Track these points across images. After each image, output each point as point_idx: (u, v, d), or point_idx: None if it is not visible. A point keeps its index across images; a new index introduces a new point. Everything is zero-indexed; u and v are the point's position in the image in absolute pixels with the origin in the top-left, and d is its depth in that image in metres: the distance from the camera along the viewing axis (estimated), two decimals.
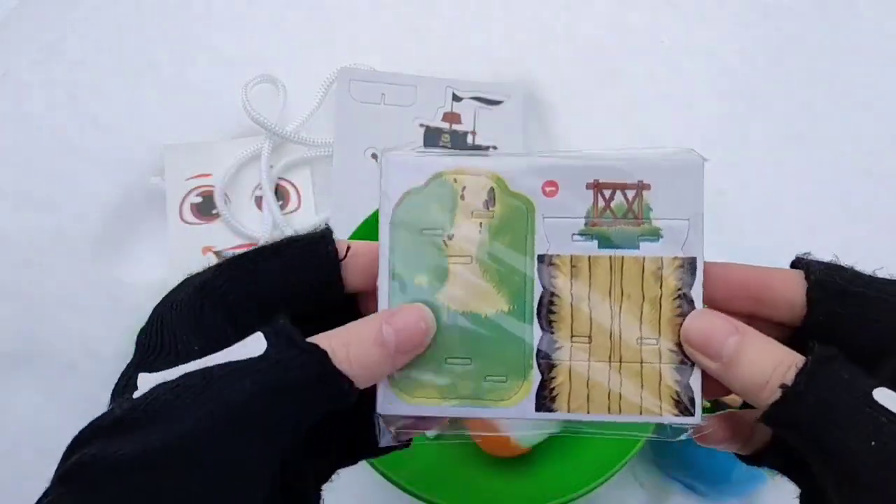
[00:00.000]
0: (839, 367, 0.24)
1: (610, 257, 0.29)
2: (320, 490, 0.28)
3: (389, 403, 0.28)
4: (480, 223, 0.29)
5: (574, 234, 0.29)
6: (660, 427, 0.30)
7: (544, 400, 0.28)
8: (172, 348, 0.25)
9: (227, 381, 0.22)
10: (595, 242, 0.29)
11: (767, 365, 0.24)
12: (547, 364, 0.28)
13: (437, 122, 0.63)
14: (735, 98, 0.65)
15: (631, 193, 0.29)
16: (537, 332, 0.28)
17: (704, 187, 0.28)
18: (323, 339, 0.24)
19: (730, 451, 0.28)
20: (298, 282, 0.26)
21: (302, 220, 0.61)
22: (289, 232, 0.59)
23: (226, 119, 0.64)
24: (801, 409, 0.23)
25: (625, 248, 0.29)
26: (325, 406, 0.24)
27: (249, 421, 0.22)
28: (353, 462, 0.29)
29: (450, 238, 0.29)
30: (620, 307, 0.28)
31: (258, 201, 0.62)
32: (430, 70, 0.66)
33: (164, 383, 0.23)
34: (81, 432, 0.23)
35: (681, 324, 0.27)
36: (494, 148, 0.63)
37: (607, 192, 0.29)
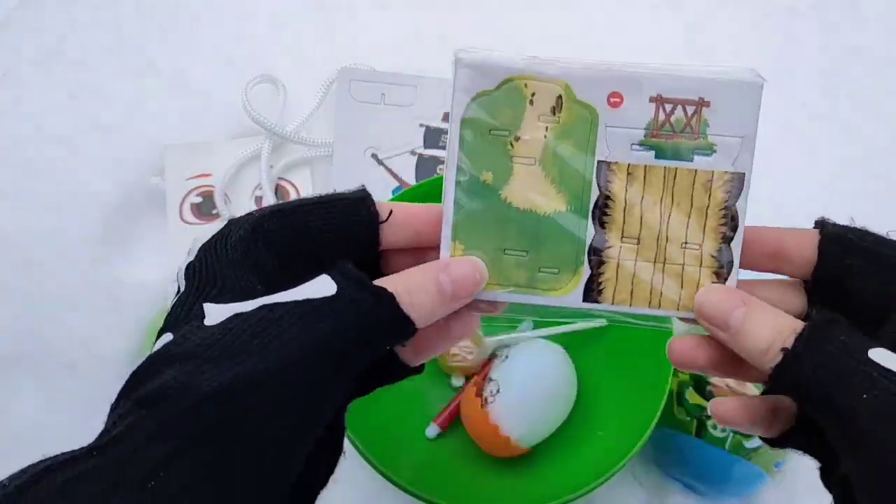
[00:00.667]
0: (837, 330, 0.26)
1: (664, 168, 0.31)
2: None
3: None
4: (546, 127, 0.31)
5: (633, 143, 0.31)
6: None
7: (591, 292, 0.31)
8: (233, 285, 0.26)
9: (312, 317, 0.24)
10: (652, 153, 0.31)
11: (770, 332, 0.26)
12: (597, 260, 0.31)
13: (438, 123, 0.63)
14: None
15: (691, 109, 0.31)
16: (591, 231, 0.31)
17: (760, 108, 0.30)
18: (389, 283, 0.26)
19: (754, 434, 0.30)
20: (343, 237, 0.28)
21: None
22: None
23: (226, 119, 0.64)
24: (800, 369, 0.25)
25: (679, 160, 0.31)
26: (391, 344, 0.26)
27: (333, 355, 0.24)
28: (366, 393, 0.30)
29: (516, 140, 0.31)
30: (669, 214, 0.31)
31: (258, 201, 0.62)
32: (430, 70, 0.66)
33: (242, 314, 0.24)
34: (153, 357, 0.24)
35: (724, 233, 0.30)
36: None
37: (668, 107, 0.31)
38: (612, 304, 0.32)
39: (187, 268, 0.27)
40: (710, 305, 0.28)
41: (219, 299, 0.25)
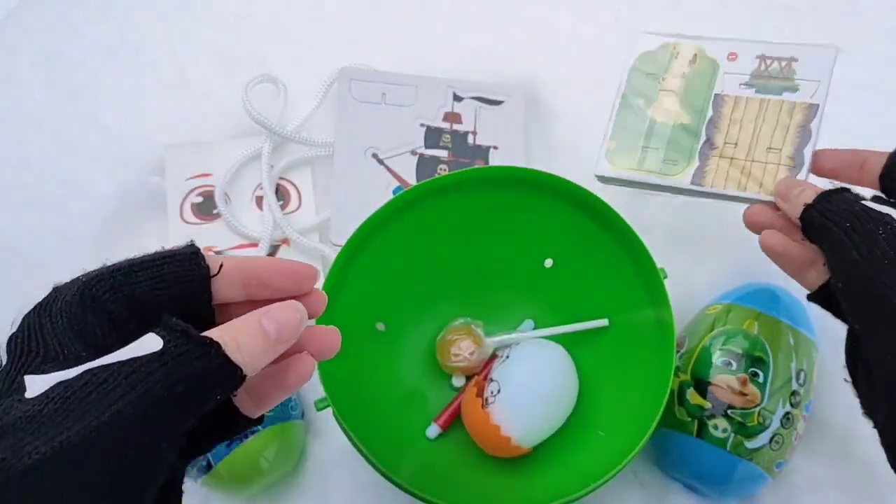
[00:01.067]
0: (840, 191, 0.40)
1: (760, 99, 0.48)
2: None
3: (603, 168, 0.50)
4: (684, 73, 0.51)
5: (741, 83, 0.49)
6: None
7: (697, 177, 0.48)
8: (56, 353, 0.26)
9: (138, 375, 0.24)
10: (753, 89, 0.49)
11: (805, 199, 0.41)
12: (705, 155, 0.48)
13: (438, 122, 0.63)
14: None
15: (784, 63, 0.48)
16: (703, 136, 0.49)
17: (834, 65, 0.47)
18: (214, 333, 0.26)
19: (793, 276, 0.43)
20: (175, 295, 0.28)
21: (302, 220, 0.61)
22: (289, 232, 0.59)
23: (226, 119, 0.64)
24: (811, 214, 0.40)
25: (773, 94, 0.48)
26: (222, 393, 0.26)
27: (164, 410, 0.24)
28: (205, 451, 0.31)
29: (663, 79, 0.51)
30: (761, 128, 0.48)
31: (259, 201, 0.62)
32: (430, 70, 0.66)
33: (64, 382, 0.24)
34: None
35: (797, 144, 0.47)
36: (495, 148, 0.63)
37: (769, 61, 0.49)
38: (711, 186, 0.47)
39: (9, 340, 0.26)
40: (783, 184, 0.44)
41: (41, 370, 0.25)
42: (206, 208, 0.61)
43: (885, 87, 0.65)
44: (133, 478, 0.23)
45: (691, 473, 0.51)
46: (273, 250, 0.60)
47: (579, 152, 0.64)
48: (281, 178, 0.63)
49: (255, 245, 0.59)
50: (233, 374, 0.26)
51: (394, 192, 0.61)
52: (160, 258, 0.28)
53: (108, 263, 0.29)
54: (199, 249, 0.29)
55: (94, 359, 0.25)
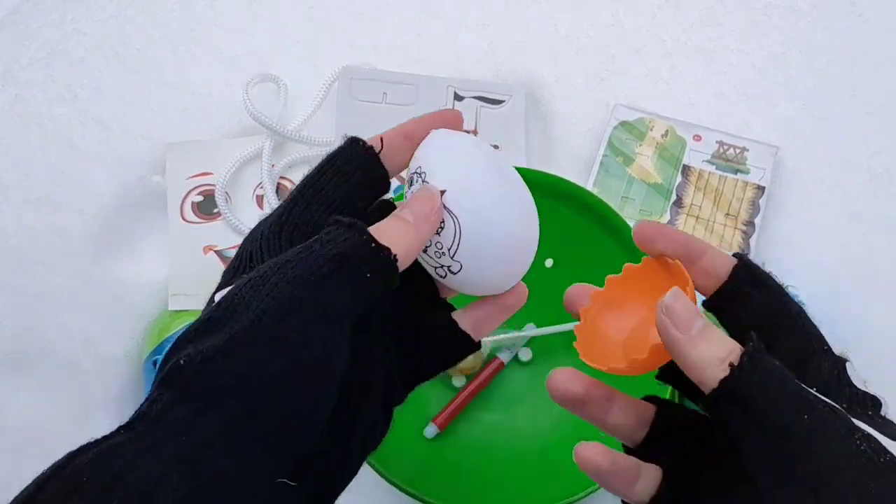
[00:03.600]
0: (774, 356, 0.27)
1: (720, 175, 0.61)
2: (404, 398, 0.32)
3: None
4: (657, 143, 0.62)
5: (704, 160, 0.62)
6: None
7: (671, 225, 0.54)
8: (252, 269, 0.28)
9: (287, 266, 0.26)
10: (714, 166, 0.61)
11: (723, 347, 0.27)
12: (675, 211, 0.60)
13: None
14: (735, 98, 0.65)
15: (738, 150, 0.62)
16: (673, 196, 0.60)
17: (777, 158, 0.61)
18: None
19: (612, 491, 0.32)
20: (356, 185, 0.30)
21: None
22: None
23: (227, 118, 0.64)
24: (745, 384, 0.26)
25: (729, 173, 0.61)
26: (376, 276, 0.27)
27: (309, 289, 0.26)
28: (428, 374, 0.33)
29: (640, 144, 0.62)
30: (720, 197, 0.60)
31: (259, 200, 0.62)
32: (431, 69, 0.65)
33: (237, 284, 0.26)
34: (171, 346, 0.26)
35: (750, 214, 0.60)
36: (496, 147, 0.63)
37: (726, 147, 0.62)
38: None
39: (224, 271, 0.30)
40: (682, 308, 0.28)
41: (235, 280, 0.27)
42: (206, 207, 0.61)
43: (887, 87, 0.65)
44: (296, 360, 0.25)
45: None
46: None
47: (579, 152, 0.64)
48: (282, 178, 0.63)
49: None
50: (377, 251, 0.27)
51: (394, 191, 0.61)
52: (328, 161, 0.31)
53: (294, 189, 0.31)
54: (355, 137, 0.31)
55: None
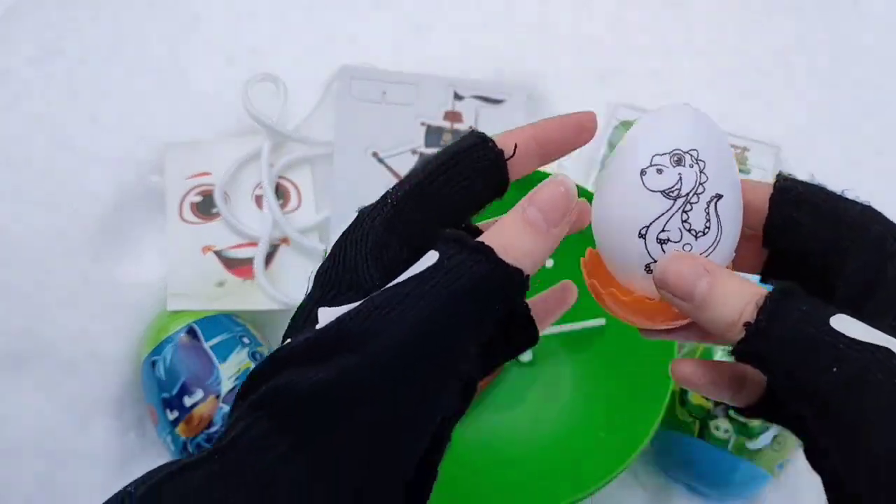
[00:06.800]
0: (797, 300, 0.24)
1: None
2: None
3: None
4: None
5: None
6: None
7: None
8: (354, 284, 0.25)
9: (412, 297, 0.23)
10: None
11: (736, 305, 0.25)
12: None
13: (439, 121, 0.63)
14: (737, 98, 0.65)
15: (739, 150, 0.61)
16: None
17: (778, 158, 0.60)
18: (487, 239, 0.25)
19: (722, 399, 0.29)
20: (476, 189, 0.27)
21: (302, 219, 0.61)
22: (289, 231, 0.59)
23: (226, 117, 0.64)
24: (764, 345, 0.24)
25: None
26: (502, 299, 0.24)
27: (435, 332, 0.23)
28: (492, 367, 0.30)
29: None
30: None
31: (258, 200, 0.62)
32: (431, 68, 0.65)
33: (349, 311, 0.24)
34: (263, 364, 0.24)
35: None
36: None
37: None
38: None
39: (318, 270, 0.27)
40: (673, 274, 0.26)
41: (336, 302, 0.25)
42: (205, 207, 0.61)
43: (888, 87, 0.65)
44: (415, 399, 0.23)
45: (693, 474, 0.51)
46: (273, 250, 0.60)
47: (580, 152, 0.63)
48: (281, 177, 0.62)
49: (254, 244, 0.59)
50: (510, 278, 0.24)
51: None
52: (452, 157, 0.27)
53: (409, 172, 0.27)
54: (485, 136, 0.27)
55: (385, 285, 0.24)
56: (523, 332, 0.30)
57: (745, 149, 0.62)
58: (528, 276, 0.25)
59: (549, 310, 0.31)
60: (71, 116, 0.64)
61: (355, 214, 0.27)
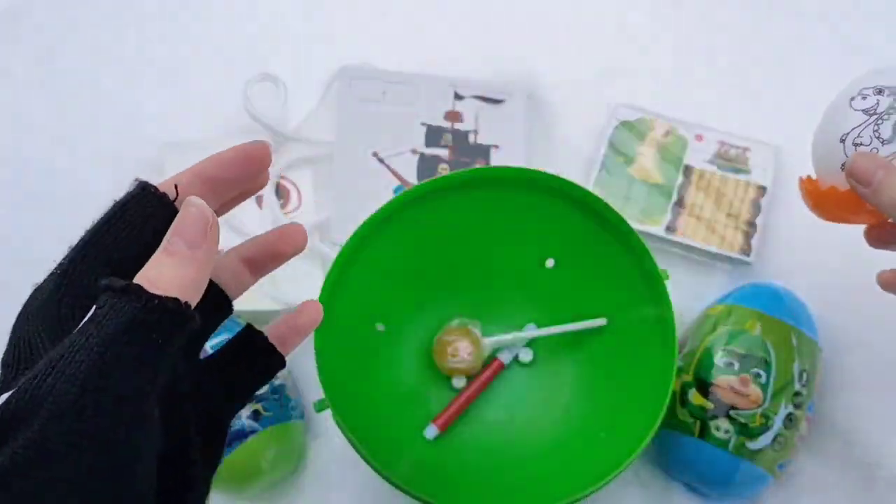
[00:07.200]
0: None
1: (721, 175, 0.61)
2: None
3: None
4: (658, 142, 0.62)
5: (705, 160, 0.61)
6: (730, 260, 0.58)
7: (670, 227, 0.59)
8: (32, 362, 0.24)
9: (64, 363, 0.22)
10: (715, 166, 0.61)
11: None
12: (676, 211, 0.60)
13: (439, 121, 0.63)
14: (737, 98, 0.65)
15: (739, 150, 0.62)
16: (675, 196, 0.60)
17: (778, 158, 0.62)
18: (138, 277, 0.24)
19: None
20: (147, 238, 0.26)
21: (302, 219, 0.61)
22: None
23: (226, 118, 0.64)
24: None
25: (730, 173, 0.61)
26: (166, 331, 0.23)
27: (109, 379, 0.22)
28: (246, 395, 0.31)
29: (641, 144, 0.62)
30: (722, 198, 0.60)
31: (258, 200, 0.62)
32: (431, 68, 0.65)
33: (14, 391, 0.22)
34: None
35: (752, 214, 0.59)
36: (496, 147, 0.62)
37: (727, 147, 0.62)
38: (682, 236, 0.58)
39: (3, 359, 0.25)
40: (860, 165, 0.37)
41: (16, 383, 0.23)
42: None
43: None
44: (101, 451, 0.22)
45: (693, 474, 0.51)
46: None
47: (580, 152, 0.63)
48: (281, 177, 0.62)
49: None
50: (163, 307, 0.23)
51: (394, 191, 0.61)
52: (118, 210, 0.26)
53: (71, 246, 0.27)
54: (147, 183, 0.27)
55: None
56: (266, 360, 0.31)
57: (746, 149, 0.61)
58: (188, 301, 0.24)
59: (286, 335, 0.32)
60: (70, 117, 0.64)
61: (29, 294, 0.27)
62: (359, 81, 0.63)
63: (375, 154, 0.61)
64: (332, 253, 0.57)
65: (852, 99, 0.41)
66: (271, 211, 0.59)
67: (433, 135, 0.62)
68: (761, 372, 0.49)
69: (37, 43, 0.68)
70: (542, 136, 0.65)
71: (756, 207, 0.59)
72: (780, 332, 0.50)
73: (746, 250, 0.58)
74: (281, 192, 0.62)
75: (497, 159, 0.62)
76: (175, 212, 0.26)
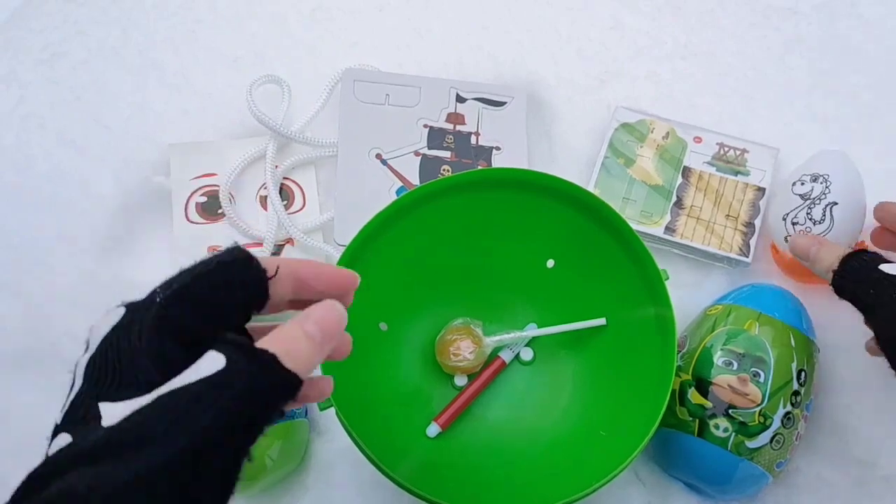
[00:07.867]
0: (862, 255, 0.44)
1: (720, 177, 0.61)
2: None
3: None
4: (658, 144, 0.62)
5: (704, 161, 0.62)
6: (727, 260, 0.59)
7: (669, 228, 0.59)
8: (131, 378, 0.26)
9: (205, 401, 0.24)
10: (714, 168, 0.62)
11: (829, 260, 0.45)
12: (675, 212, 0.60)
13: (441, 123, 0.63)
14: (735, 100, 0.66)
15: (738, 152, 0.62)
16: (674, 198, 0.60)
17: (777, 160, 0.62)
18: (268, 345, 0.27)
19: None
20: (238, 301, 0.29)
21: (306, 220, 0.61)
22: (293, 232, 0.59)
23: (230, 119, 0.65)
24: (840, 283, 0.44)
25: (729, 174, 0.61)
26: (283, 401, 0.27)
27: (231, 434, 0.24)
28: None
29: (641, 146, 0.62)
30: (721, 199, 0.60)
31: (263, 201, 0.62)
32: (434, 71, 0.66)
33: (141, 409, 0.24)
34: (52, 460, 0.24)
35: (750, 215, 0.60)
36: (498, 149, 0.63)
37: (727, 149, 0.62)
38: (681, 237, 0.59)
39: (88, 363, 0.27)
40: (798, 243, 0.48)
41: (116, 395, 0.26)
42: (210, 208, 0.61)
43: (887, 87, 0.66)
44: (207, 495, 0.24)
45: (692, 473, 0.51)
46: (277, 250, 0.60)
47: (581, 153, 0.64)
48: (285, 179, 0.63)
49: (259, 244, 0.60)
50: (290, 383, 0.26)
51: (397, 192, 0.61)
52: (219, 266, 0.29)
53: (173, 276, 0.29)
54: (251, 254, 0.30)
55: (164, 383, 0.25)
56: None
57: (745, 151, 0.62)
58: (302, 381, 0.27)
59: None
60: (76, 118, 0.65)
61: (122, 310, 0.29)
62: (362, 84, 0.63)
63: (378, 155, 0.62)
64: (336, 253, 0.57)
65: (794, 184, 0.53)
66: (276, 212, 0.60)
67: (435, 136, 0.63)
68: (760, 371, 0.49)
69: (42, 44, 0.68)
70: (542, 138, 0.65)
71: (755, 209, 0.60)
72: (779, 332, 0.51)
73: (745, 251, 0.58)
74: (285, 193, 0.62)
75: (499, 161, 0.62)
76: (267, 289, 0.29)
